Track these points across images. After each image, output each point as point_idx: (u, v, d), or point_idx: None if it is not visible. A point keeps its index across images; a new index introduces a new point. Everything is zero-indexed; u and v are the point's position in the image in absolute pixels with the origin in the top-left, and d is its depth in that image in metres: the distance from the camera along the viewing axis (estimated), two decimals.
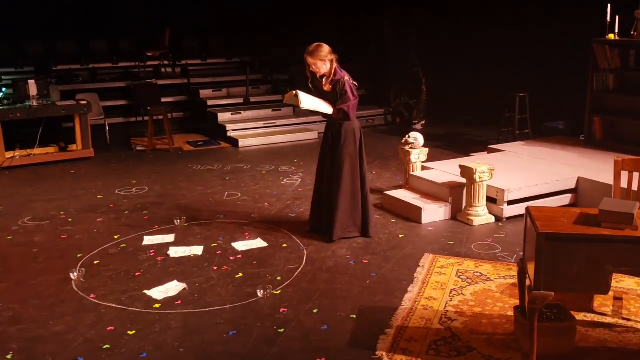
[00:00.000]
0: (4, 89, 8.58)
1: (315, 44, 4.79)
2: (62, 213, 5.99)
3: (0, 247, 5.12)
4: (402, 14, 11.12)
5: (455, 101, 10.46)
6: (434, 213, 5.50)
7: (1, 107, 7.99)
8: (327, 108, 4.87)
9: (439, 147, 8.24)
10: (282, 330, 3.64)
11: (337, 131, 4.93)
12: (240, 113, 10.31)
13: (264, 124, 10.16)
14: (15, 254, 4.96)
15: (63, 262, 4.74)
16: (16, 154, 8.02)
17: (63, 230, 5.49)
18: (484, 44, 9.88)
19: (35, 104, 8.13)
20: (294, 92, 4.81)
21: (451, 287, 4.16)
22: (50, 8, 11.62)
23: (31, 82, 8.29)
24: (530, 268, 3.17)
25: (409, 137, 6.12)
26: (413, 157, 6.08)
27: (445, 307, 3.87)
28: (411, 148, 6.09)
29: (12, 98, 8.42)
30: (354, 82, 4.88)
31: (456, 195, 5.57)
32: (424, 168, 6.23)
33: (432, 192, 5.77)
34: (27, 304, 4.05)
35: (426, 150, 6.21)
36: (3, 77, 10.44)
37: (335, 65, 4.81)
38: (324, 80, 4.87)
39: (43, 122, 8.21)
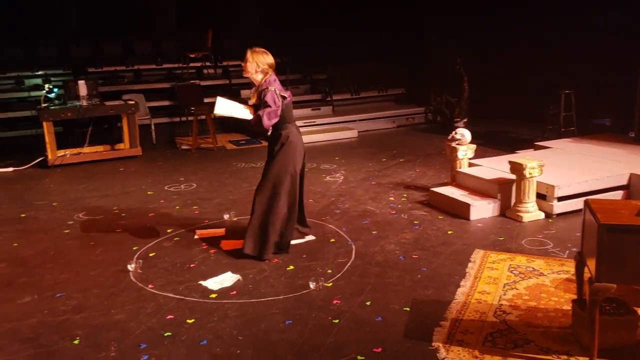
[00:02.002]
0: (55, 90, 8.87)
1: (264, 49, 4.61)
2: (115, 208, 6.17)
3: (58, 240, 5.31)
4: (442, 12, 11.08)
5: (497, 99, 10.36)
6: (482, 209, 5.48)
7: (53, 107, 8.27)
8: (246, 114, 4.61)
9: (483, 145, 8.17)
10: (336, 320, 3.69)
11: (274, 143, 4.70)
12: None
13: (304, 122, 10.22)
14: (73, 247, 5.14)
15: (119, 254, 4.89)
16: (67, 152, 8.29)
17: (117, 224, 5.66)
18: (526, 40, 9.76)
19: (85, 103, 8.39)
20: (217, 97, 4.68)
21: (504, 281, 4.15)
22: (96, 12, 11.97)
23: (81, 82, 8.58)
24: (590, 261, 3.15)
25: (455, 133, 6.10)
26: (460, 154, 6.07)
27: (499, 301, 3.87)
28: (458, 144, 6.07)
29: (63, 98, 8.71)
30: (282, 94, 4.54)
31: (505, 192, 5.53)
32: (470, 164, 6.21)
33: (480, 188, 5.74)
34: (89, 293, 4.20)
35: (473, 146, 6.18)
36: (52, 79, 10.81)
37: (268, 77, 4.54)
38: (252, 90, 4.73)
39: (92, 121, 8.48)
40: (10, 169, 8.09)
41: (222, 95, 4.95)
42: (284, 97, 4.56)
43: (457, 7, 10.77)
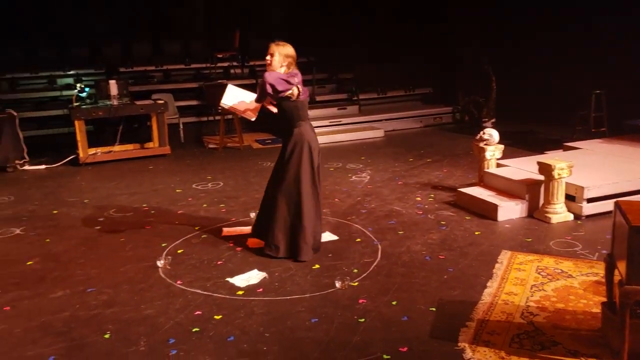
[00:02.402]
0: (87, 89, 9.05)
1: (285, 41, 4.57)
2: (144, 205, 6.28)
3: (90, 236, 5.42)
4: (470, 12, 10.98)
5: (525, 99, 10.24)
6: (510, 210, 5.43)
7: (84, 106, 8.44)
8: (252, 105, 4.57)
9: (511, 145, 8.08)
10: (362, 319, 3.70)
11: (287, 141, 4.67)
12: None
13: (330, 122, 10.27)
14: (104, 243, 5.25)
15: (149, 250, 4.98)
16: (98, 150, 8.45)
17: (146, 221, 5.76)
18: (555, 39, 9.61)
19: (115, 103, 8.55)
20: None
21: (531, 283, 4.11)
22: (126, 13, 12.17)
23: (112, 82, 8.73)
24: (621, 263, 3.10)
25: (483, 133, 6.06)
26: (488, 154, 6.02)
27: (527, 302, 3.83)
28: (486, 145, 6.03)
29: (94, 97, 8.89)
30: (299, 86, 4.46)
31: (533, 193, 5.47)
32: (498, 165, 6.16)
33: (507, 189, 5.69)
34: (119, 288, 4.28)
35: (501, 147, 6.13)
36: (83, 79, 11.03)
37: (290, 71, 4.52)
38: None
39: (123, 120, 8.63)
40: (43, 166, 8.29)
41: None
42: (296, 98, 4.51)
43: (484, 7, 10.66)
